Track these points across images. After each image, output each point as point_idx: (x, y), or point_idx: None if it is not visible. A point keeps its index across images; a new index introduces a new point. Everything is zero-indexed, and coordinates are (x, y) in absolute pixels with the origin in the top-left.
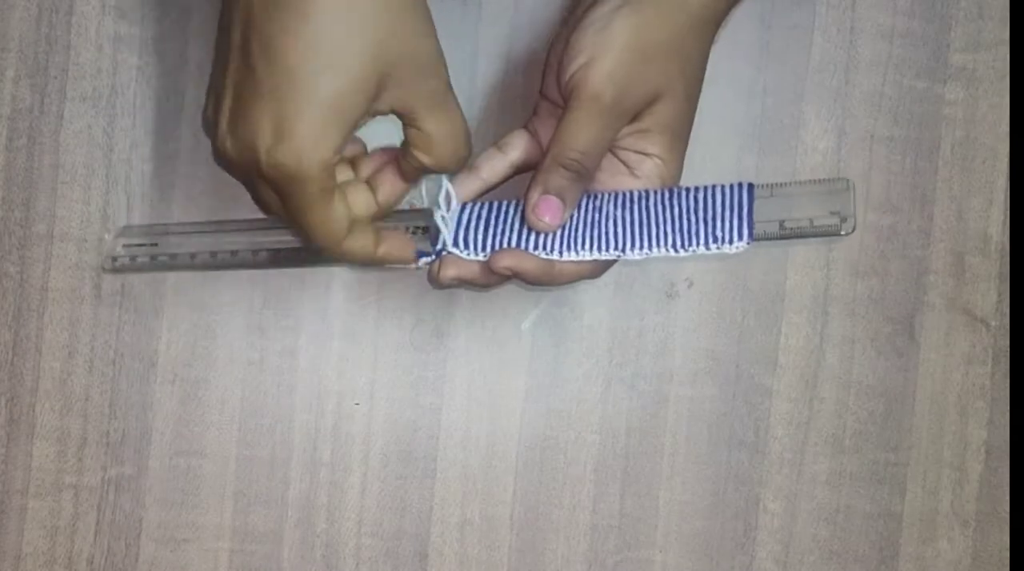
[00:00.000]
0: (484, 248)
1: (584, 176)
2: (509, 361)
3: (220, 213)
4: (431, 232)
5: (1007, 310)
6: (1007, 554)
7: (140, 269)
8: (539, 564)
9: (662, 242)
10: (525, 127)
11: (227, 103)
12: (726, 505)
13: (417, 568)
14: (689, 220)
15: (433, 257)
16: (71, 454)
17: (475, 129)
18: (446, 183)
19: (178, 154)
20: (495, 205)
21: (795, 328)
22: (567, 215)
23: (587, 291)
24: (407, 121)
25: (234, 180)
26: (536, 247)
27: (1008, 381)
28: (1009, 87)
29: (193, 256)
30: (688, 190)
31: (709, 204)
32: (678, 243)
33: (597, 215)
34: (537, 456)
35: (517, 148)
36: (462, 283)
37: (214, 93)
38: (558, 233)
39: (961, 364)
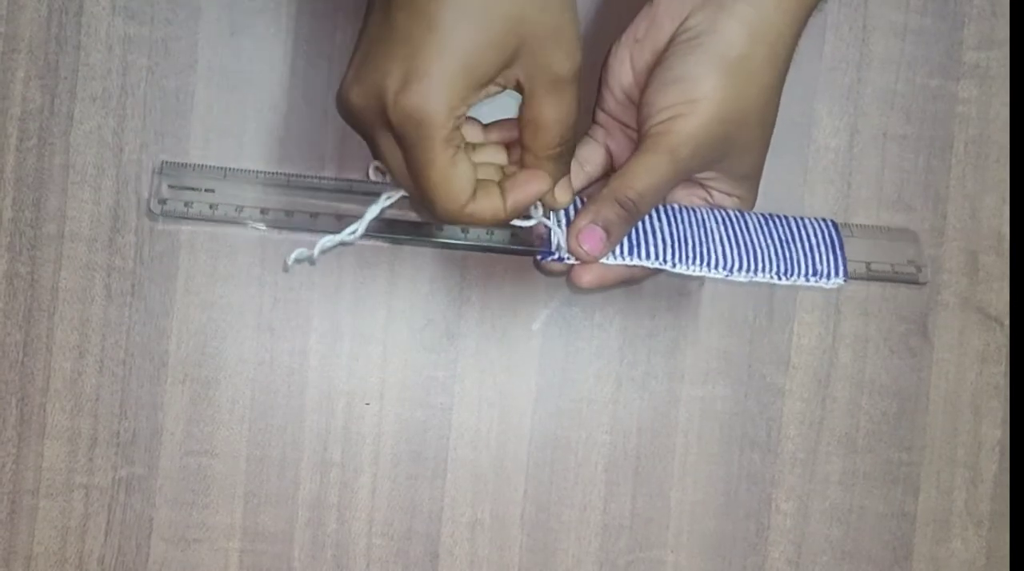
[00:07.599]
0: (621, 251)
1: (635, 218)
2: (519, 361)
3: None
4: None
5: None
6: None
7: (195, 218)
8: (550, 564)
9: (767, 268)
10: (594, 138)
11: (358, 54)
12: (738, 505)
13: (428, 568)
14: (789, 249)
15: (555, 257)
16: (82, 454)
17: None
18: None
19: (187, 155)
20: None
21: (807, 327)
22: (607, 250)
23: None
24: (525, 98)
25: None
26: (648, 257)
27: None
28: (1010, 87)
29: (264, 211)
30: (780, 219)
31: (805, 236)
32: (781, 270)
33: (701, 231)
34: (548, 456)
35: (593, 163)
36: (603, 286)
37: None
38: (668, 243)
39: (975, 363)
